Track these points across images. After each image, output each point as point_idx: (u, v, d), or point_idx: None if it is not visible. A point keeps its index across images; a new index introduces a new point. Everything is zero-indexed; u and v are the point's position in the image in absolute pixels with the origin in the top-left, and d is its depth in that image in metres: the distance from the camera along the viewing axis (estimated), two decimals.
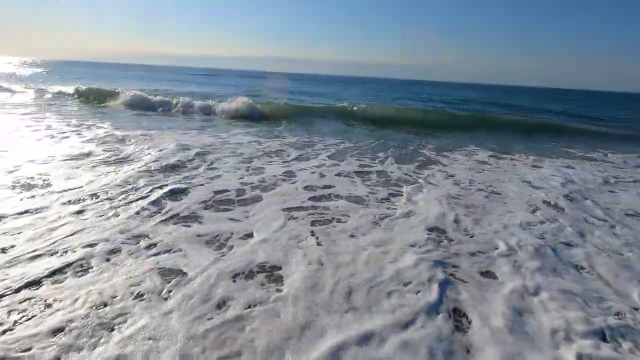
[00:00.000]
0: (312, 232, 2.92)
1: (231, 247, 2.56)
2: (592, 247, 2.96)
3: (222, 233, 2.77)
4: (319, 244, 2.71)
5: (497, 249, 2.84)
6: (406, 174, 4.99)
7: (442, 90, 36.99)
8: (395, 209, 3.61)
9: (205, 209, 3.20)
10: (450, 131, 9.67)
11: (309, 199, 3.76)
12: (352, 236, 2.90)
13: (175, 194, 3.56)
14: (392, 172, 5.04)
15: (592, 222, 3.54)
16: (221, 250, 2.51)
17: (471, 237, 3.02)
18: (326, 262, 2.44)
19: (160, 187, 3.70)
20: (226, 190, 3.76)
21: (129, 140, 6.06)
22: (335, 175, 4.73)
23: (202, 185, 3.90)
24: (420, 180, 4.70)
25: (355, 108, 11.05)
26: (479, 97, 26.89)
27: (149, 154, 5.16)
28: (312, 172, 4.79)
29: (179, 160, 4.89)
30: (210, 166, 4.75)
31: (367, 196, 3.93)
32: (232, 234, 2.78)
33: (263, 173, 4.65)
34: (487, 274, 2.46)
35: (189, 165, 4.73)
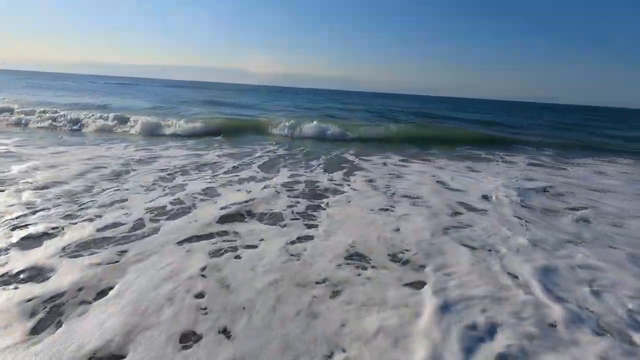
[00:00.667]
0: (203, 271, 1.99)
1: (62, 321, 1.52)
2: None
3: (65, 293, 1.71)
4: (201, 295, 1.78)
5: (428, 269, 2.15)
6: (335, 183, 4.24)
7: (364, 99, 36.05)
8: (315, 226, 2.81)
9: (61, 257, 2.06)
10: (369, 140, 8.91)
11: (219, 220, 2.82)
12: (252, 270, 2.03)
13: (33, 238, 2.32)
14: (319, 182, 4.26)
15: (515, 221, 3.07)
16: (42, 331, 1.45)
17: (403, 264, 2.23)
18: (202, 329, 1.52)
19: (18, 228, 2.44)
20: (116, 224, 2.63)
21: (22, 158, 4.45)
22: (263, 188, 3.84)
23: (88, 218, 2.70)
24: (343, 189, 3.97)
25: (292, 121, 9.83)
26: (403, 106, 27.05)
27: (39, 177, 3.71)
28: (238, 190, 3.81)
29: (78, 184, 3.59)
30: (117, 189, 3.56)
31: (285, 211, 3.09)
32: (81, 290, 1.73)
33: (183, 190, 3.62)
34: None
35: (95, 190, 3.49)
